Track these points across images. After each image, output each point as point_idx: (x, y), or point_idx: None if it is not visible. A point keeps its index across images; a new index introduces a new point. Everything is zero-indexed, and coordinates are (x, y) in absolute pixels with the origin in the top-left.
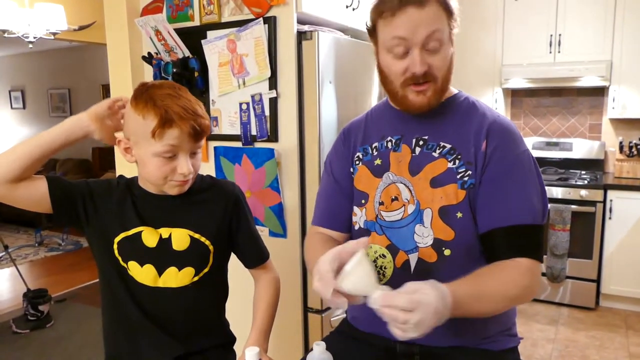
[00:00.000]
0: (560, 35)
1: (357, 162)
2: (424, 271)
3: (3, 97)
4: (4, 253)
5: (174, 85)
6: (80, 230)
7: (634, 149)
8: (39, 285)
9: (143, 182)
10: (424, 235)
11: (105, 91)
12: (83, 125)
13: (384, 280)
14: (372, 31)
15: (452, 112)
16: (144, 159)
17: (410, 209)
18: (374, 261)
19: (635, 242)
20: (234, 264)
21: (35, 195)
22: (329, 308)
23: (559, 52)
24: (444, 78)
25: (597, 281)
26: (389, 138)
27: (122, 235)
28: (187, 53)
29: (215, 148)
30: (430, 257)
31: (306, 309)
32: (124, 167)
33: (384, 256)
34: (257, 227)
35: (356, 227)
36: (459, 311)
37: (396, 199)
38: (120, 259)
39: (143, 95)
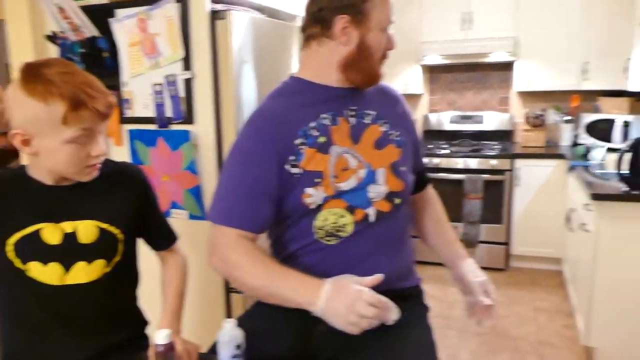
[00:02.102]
0: (471, 12)
1: (302, 147)
2: (381, 220)
3: None
4: None
5: (63, 62)
6: None
7: (537, 120)
8: None
9: (37, 173)
10: (377, 192)
11: (7, 70)
12: None
13: (344, 235)
14: (357, 9)
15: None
16: (52, 149)
17: (362, 173)
18: (335, 222)
19: (539, 206)
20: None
21: None
22: None
23: (470, 29)
24: None
25: (507, 244)
26: (323, 115)
27: (17, 235)
28: (95, 32)
29: (130, 131)
30: (384, 207)
31: (229, 290)
32: None
33: (343, 216)
34: (176, 210)
35: (312, 207)
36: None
37: (346, 168)
38: (17, 260)
39: (37, 78)
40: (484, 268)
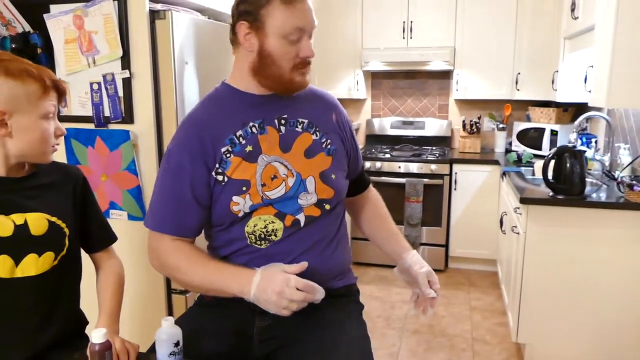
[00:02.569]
0: (412, 22)
1: (228, 155)
2: (311, 223)
3: None
4: None
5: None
6: None
7: (474, 127)
8: None
9: None
10: (307, 199)
11: None
12: None
13: (276, 239)
14: (254, 16)
15: (299, 94)
16: (28, 126)
17: (291, 181)
18: (264, 227)
19: (475, 209)
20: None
21: None
22: None
23: (411, 37)
24: None
25: (446, 246)
26: (251, 123)
27: None
28: (28, 28)
29: (66, 130)
30: (314, 212)
31: (170, 290)
32: None
33: (273, 222)
34: (115, 211)
35: (240, 215)
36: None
37: (275, 177)
38: None
39: (12, 64)
40: None
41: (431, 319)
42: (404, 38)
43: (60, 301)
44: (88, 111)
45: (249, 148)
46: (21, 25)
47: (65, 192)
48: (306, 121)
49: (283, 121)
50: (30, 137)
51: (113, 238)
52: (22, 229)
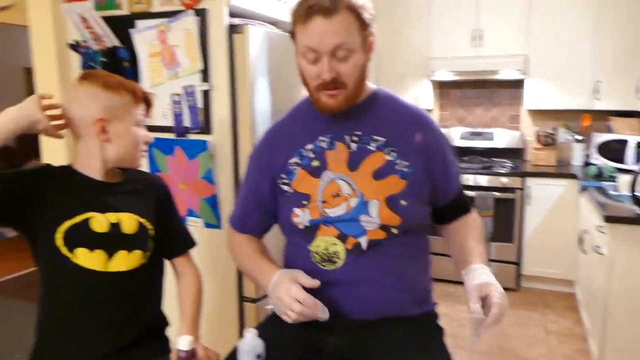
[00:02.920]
0: (482, 30)
1: (295, 167)
2: (375, 247)
3: None
4: None
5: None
6: (15, 226)
7: (548, 138)
8: None
9: (85, 169)
10: (370, 222)
11: (28, 75)
12: (30, 113)
13: (339, 262)
14: (292, 34)
15: (377, 108)
16: (123, 132)
17: (354, 202)
18: (326, 249)
19: (551, 226)
20: None
21: None
22: (264, 296)
23: (481, 46)
24: (356, 83)
25: (518, 263)
26: (321, 138)
27: (67, 223)
28: (116, 42)
29: None
30: (379, 235)
31: (242, 298)
32: (51, 154)
33: (336, 244)
34: (192, 218)
35: (300, 227)
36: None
37: (337, 195)
38: (63, 248)
39: (109, 82)
40: None
41: (502, 339)
42: (473, 46)
43: (145, 299)
44: (169, 121)
45: (315, 163)
46: (110, 40)
47: (149, 198)
48: (383, 139)
49: (356, 138)
50: (125, 142)
51: (192, 243)
52: (115, 227)
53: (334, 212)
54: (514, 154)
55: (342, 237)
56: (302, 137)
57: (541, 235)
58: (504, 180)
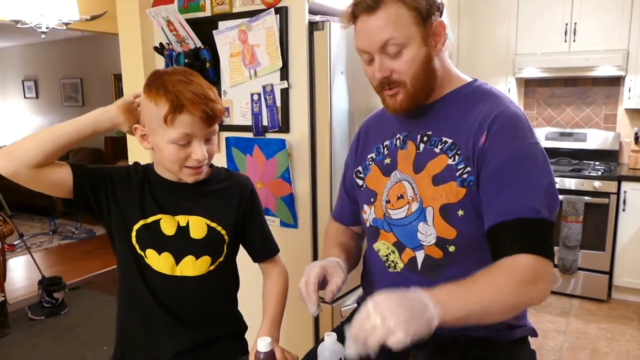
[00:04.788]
0: (575, 24)
1: (370, 163)
2: (430, 267)
3: (16, 86)
4: (19, 241)
5: (186, 71)
6: (96, 218)
7: None
8: (53, 273)
9: (159, 169)
10: (427, 234)
11: (117, 81)
12: (112, 116)
13: (398, 272)
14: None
15: (456, 105)
16: (160, 145)
17: (414, 206)
18: (386, 256)
19: None
20: (246, 255)
21: (58, 181)
22: (339, 298)
23: (574, 41)
24: (417, 79)
25: (610, 273)
26: (397, 135)
27: (141, 222)
28: (199, 43)
29: (227, 139)
30: (436, 254)
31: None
32: (136, 156)
33: (394, 252)
34: (268, 217)
35: (367, 224)
36: (449, 313)
37: (402, 197)
38: (137, 247)
39: (155, 83)
40: (582, 297)
41: (592, 354)
42: (565, 42)
43: (216, 304)
44: (248, 121)
45: (387, 160)
46: (193, 41)
47: (231, 200)
48: (450, 141)
49: (425, 138)
50: (161, 156)
51: (275, 250)
52: (183, 231)
53: (395, 214)
54: (608, 156)
55: (399, 247)
56: (384, 133)
57: (637, 244)
58: (597, 184)
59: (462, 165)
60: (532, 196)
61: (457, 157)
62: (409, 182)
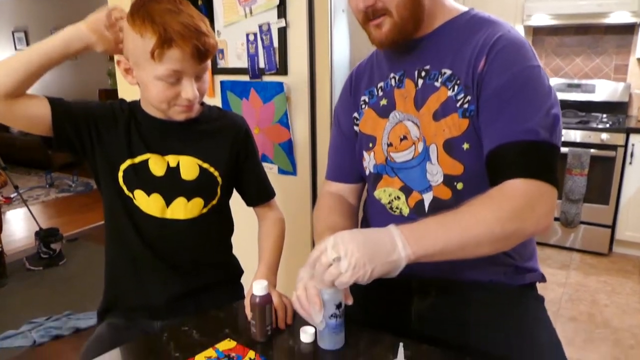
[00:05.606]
0: None
1: (363, 106)
2: (438, 210)
3: (6, 38)
4: (15, 194)
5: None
6: (80, 157)
7: None
8: (51, 225)
9: (146, 106)
10: (433, 173)
11: None
12: (82, 36)
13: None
14: None
15: (453, 35)
16: (146, 81)
17: (421, 147)
18: (389, 203)
19: None
20: (240, 198)
21: (35, 114)
22: None
23: None
24: (401, 7)
25: (612, 227)
26: (392, 75)
27: (129, 162)
28: None
29: (222, 82)
30: (444, 194)
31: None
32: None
33: (399, 198)
34: (266, 164)
35: (367, 172)
36: (423, 249)
37: (405, 137)
38: (125, 188)
39: (140, 11)
40: (582, 251)
41: (591, 306)
42: None
43: (210, 249)
44: (244, 63)
45: (383, 102)
46: None
47: (224, 141)
48: (449, 72)
49: (424, 73)
50: (148, 92)
51: (271, 194)
52: (173, 171)
53: (400, 156)
54: (617, 108)
55: (406, 191)
56: (376, 75)
57: None
58: (604, 136)
59: (462, 95)
60: (532, 118)
61: (456, 87)
62: (412, 121)
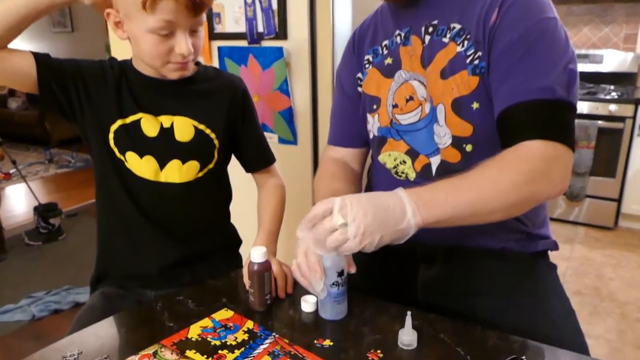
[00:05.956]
0: None
1: (367, 66)
2: (446, 174)
3: None
4: (14, 170)
5: None
6: (68, 118)
7: None
8: (50, 201)
9: (138, 64)
10: (441, 135)
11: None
12: None
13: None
14: None
15: None
16: (137, 35)
17: (427, 107)
18: (394, 167)
19: None
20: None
21: (19, 69)
22: None
23: None
24: None
25: (619, 200)
26: (397, 32)
27: (119, 122)
28: None
29: (219, 48)
30: (452, 157)
31: None
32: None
33: (404, 162)
34: (266, 134)
35: (371, 136)
36: (433, 216)
37: (411, 98)
38: (116, 150)
39: None
40: (587, 225)
41: (597, 280)
42: None
43: (206, 215)
44: (242, 27)
45: (388, 60)
46: None
47: (221, 101)
48: (458, 27)
49: (431, 29)
50: (140, 47)
51: (271, 159)
52: (167, 132)
53: (405, 118)
54: (626, 79)
55: (412, 154)
56: (381, 32)
57: None
58: (612, 107)
59: (472, 51)
60: (548, 75)
61: (466, 42)
62: (419, 81)
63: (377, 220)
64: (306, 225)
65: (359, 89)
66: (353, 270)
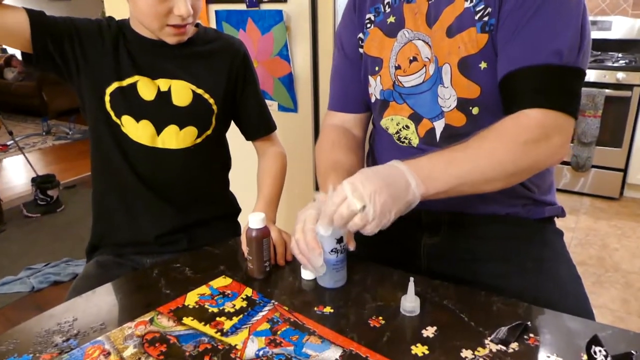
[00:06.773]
0: None
1: (369, 25)
2: (450, 138)
3: None
4: (11, 141)
5: None
6: (64, 78)
7: None
8: (48, 172)
9: (136, 25)
10: (446, 98)
11: None
12: None
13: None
14: None
15: None
16: None
17: (432, 68)
18: (397, 132)
19: None
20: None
21: (11, 25)
22: None
23: None
24: None
25: (625, 171)
26: None
27: (116, 85)
28: None
29: (217, 12)
30: (457, 120)
31: (318, 187)
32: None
33: (407, 127)
34: (266, 100)
35: (372, 100)
36: (433, 188)
37: (415, 59)
38: (112, 113)
39: None
40: (592, 195)
41: (601, 250)
42: None
43: (205, 183)
44: None
45: (391, 19)
46: None
47: (220, 65)
48: None
49: None
50: (138, 8)
51: (272, 126)
52: (164, 96)
53: (409, 80)
54: (635, 46)
55: (416, 119)
56: None
57: None
58: (620, 75)
59: (482, 7)
60: (558, 36)
61: None
62: (423, 41)
63: (390, 197)
64: (327, 222)
65: (360, 50)
66: (352, 247)
